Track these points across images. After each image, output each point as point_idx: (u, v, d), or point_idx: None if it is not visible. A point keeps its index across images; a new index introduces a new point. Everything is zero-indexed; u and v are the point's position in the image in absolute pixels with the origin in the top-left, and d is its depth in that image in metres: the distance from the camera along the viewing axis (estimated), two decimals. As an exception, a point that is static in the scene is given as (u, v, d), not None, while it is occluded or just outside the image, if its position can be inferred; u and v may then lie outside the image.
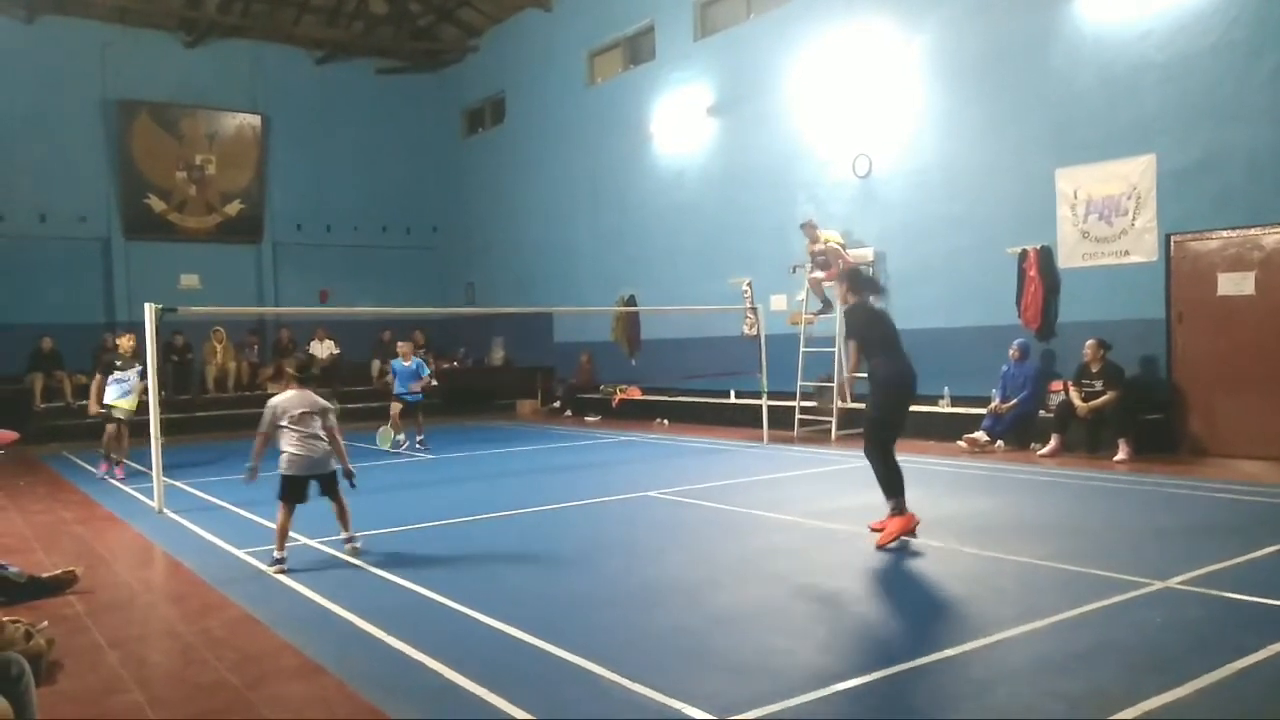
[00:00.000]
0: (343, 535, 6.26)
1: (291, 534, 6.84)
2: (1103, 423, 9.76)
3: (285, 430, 6.04)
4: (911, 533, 6.02)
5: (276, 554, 5.87)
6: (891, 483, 6.07)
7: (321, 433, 6.11)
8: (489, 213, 20.93)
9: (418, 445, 12.27)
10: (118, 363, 10.22)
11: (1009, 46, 11.20)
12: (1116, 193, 10.25)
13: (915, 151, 12.29)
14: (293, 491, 6.03)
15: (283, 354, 17.74)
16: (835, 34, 13.19)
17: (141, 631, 4.81)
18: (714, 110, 15.34)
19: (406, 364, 12.36)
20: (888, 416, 6.29)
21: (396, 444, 12.29)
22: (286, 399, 6.15)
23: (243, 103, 19.68)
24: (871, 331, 6.36)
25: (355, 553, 6.17)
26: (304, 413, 6.08)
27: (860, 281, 6.67)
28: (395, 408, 12.32)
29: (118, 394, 10.11)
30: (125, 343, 10.44)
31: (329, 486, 6.19)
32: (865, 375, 6.40)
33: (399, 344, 12.90)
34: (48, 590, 5.34)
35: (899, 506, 6.02)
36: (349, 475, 6.22)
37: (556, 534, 6.90)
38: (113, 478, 10.23)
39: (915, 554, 5.86)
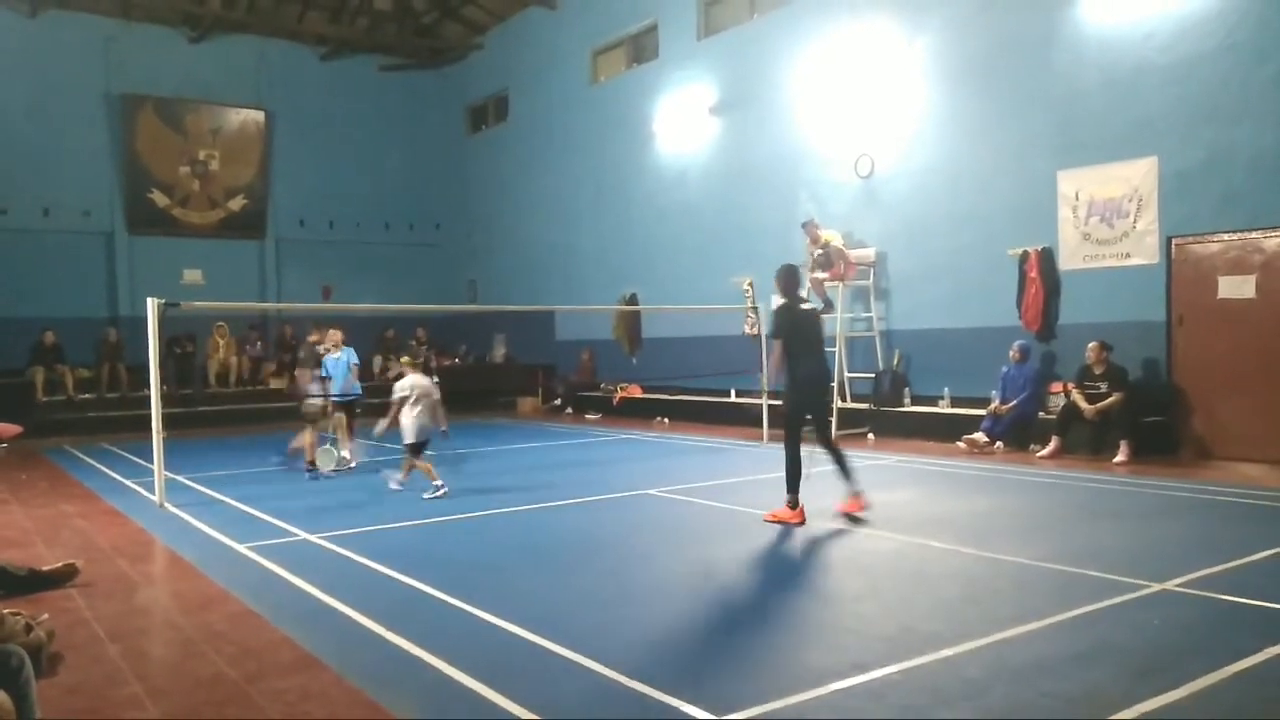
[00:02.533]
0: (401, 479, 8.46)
1: (290, 528, 6.93)
2: (1106, 424, 9.76)
3: (408, 405, 8.31)
4: (800, 523, 6.64)
5: (436, 482, 8.15)
6: (791, 476, 6.79)
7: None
8: (492, 210, 20.95)
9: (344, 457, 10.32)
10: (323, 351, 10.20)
11: (1011, 48, 11.20)
12: (1118, 195, 10.25)
13: (917, 152, 12.29)
14: (420, 451, 8.38)
15: (285, 350, 17.77)
16: (838, 34, 13.19)
17: (142, 624, 4.82)
18: (717, 109, 15.34)
19: (337, 355, 10.25)
20: (798, 413, 6.95)
21: (342, 461, 10.12)
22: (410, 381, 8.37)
23: (247, 98, 19.69)
24: (796, 332, 6.90)
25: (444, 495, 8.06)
26: (422, 392, 8.35)
27: (794, 283, 7.17)
28: (339, 417, 10.27)
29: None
30: (337, 335, 10.43)
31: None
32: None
33: (330, 331, 10.51)
34: (48, 583, 5.35)
35: (793, 501, 6.74)
36: (444, 433, 8.63)
37: (556, 531, 6.91)
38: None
39: (913, 554, 5.87)
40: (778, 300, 7.23)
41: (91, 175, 18.05)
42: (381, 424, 8.67)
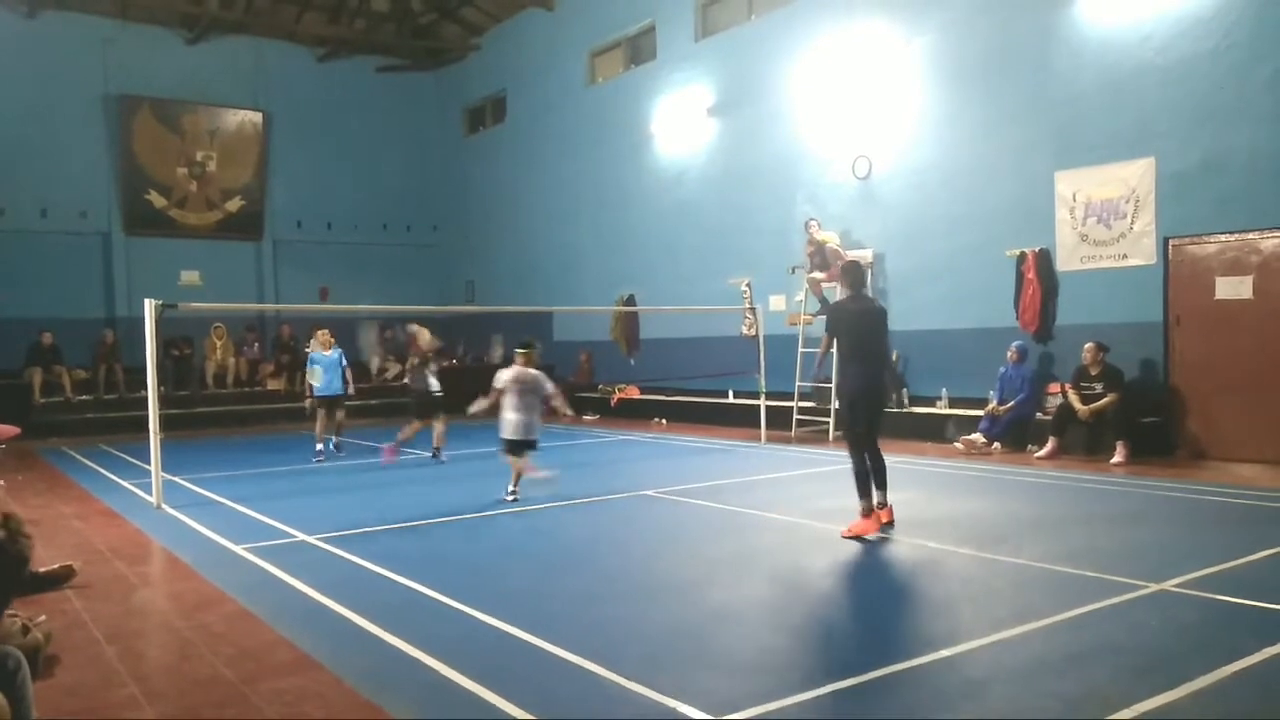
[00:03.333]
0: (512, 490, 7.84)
1: (288, 529, 6.92)
2: (1103, 425, 9.78)
3: (508, 398, 7.78)
4: (879, 531, 6.32)
5: (511, 487, 7.81)
6: (858, 484, 6.44)
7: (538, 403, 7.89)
8: (490, 211, 20.95)
9: (335, 448, 11.53)
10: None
11: (1010, 49, 11.21)
12: (1115, 196, 10.26)
13: (915, 153, 12.31)
14: (514, 450, 7.82)
15: (283, 350, 17.77)
16: (836, 35, 13.20)
17: (139, 626, 4.82)
18: (714, 110, 15.35)
19: (328, 354, 11.34)
20: (853, 418, 6.63)
21: (325, 450, 11.34)
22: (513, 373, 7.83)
23: (244, 99, 19.68)
24: (849, 335, 6.58)
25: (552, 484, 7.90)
26: (523, 386, 7.83)
27: (857, 280, 6.85)
28: (330, 409, 11.34)
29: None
30: (424, 335, 11.54)
31: (530, 447, 7.91)
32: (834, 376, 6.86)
33: (320, 331, 11.51)
34: (45, 584, 5.35)
35: (864, 509, 6.38)
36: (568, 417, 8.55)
37: (554, 532, 6.91)
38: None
39: (911, 555, 5.88)
40: (840, 295, 6.93)
41: (89, 176, 18.04)
42: (478, 403, 8.19)
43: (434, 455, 10.97)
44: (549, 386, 8.16)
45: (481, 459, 11.52)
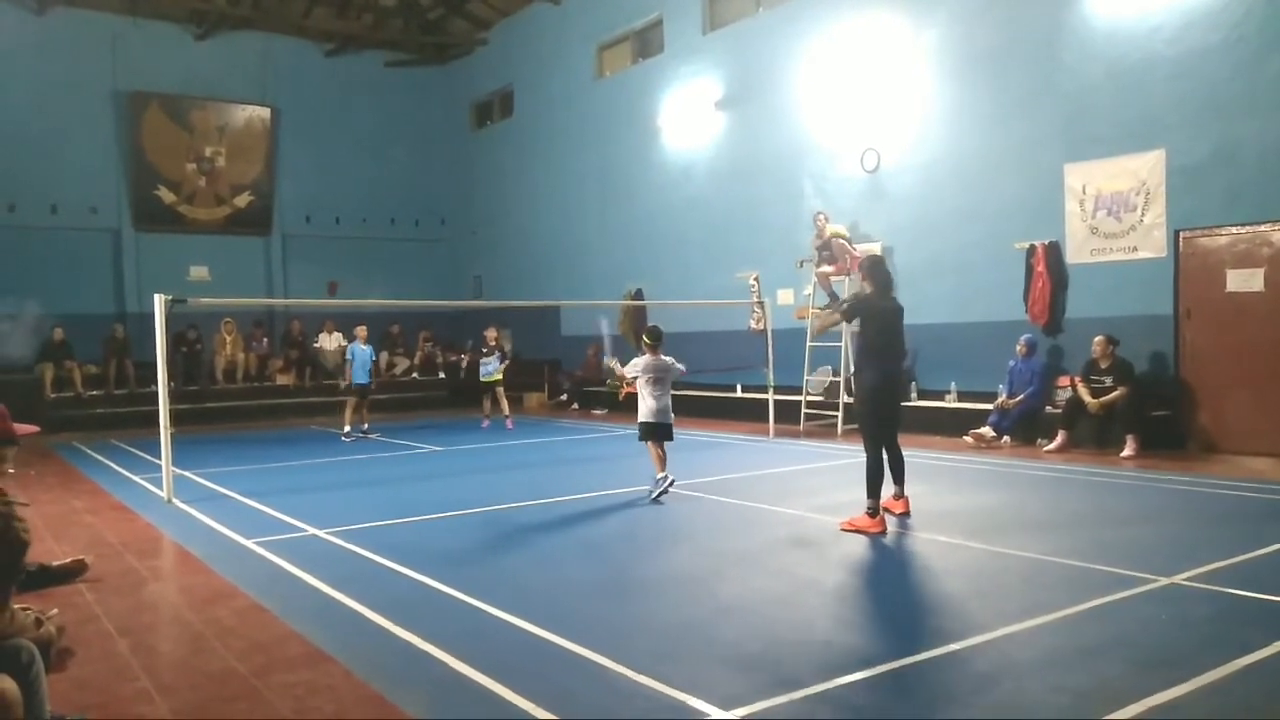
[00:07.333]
0: (661, 475, 7.75)
1: (299, 523, 6.96)
2: (1112, 419, 9.74)
3: (643, 386, 7.94)
4: (883, 530, 6.22)
5: (660, 474, 7.74)
6: (870, 481, 6.31)
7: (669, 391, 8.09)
8: (497, 205, 20.97)
9: (363, 432, 13.22)
10: (484, 349, 14.35)
11: (1018, 41, 11.15)
12: (1125, 188, 10.21)
13: (924, 146, 12.26)
14: (651, 434, 7.91)
15: (292, 345, 17.83)
16: (844, 28, 13.16)
17: (150, 619, 4.84)
18: (722, 104, 15.31)
19: (364, 349, 13.23)
20: (875, 416, 6.52)
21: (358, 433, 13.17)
22: (645, 362, 8.03)
23: (252, 95, 19.73)
24: (876, 329, 6.49)
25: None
26: (657, 374, 8.00)
27: (878, 276, 6.73)
28: (352, 400, 13.20)
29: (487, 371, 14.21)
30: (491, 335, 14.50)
31: (666, 434, 8.00)
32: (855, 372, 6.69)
33: (359, 328, 13.56)
34: (57, 579, 5.38)
35: (872, 508, 6.27)
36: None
37: (563, 526, 6.92)
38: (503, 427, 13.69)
39: (921, 549, 5.87)
40: (864, 288, 6.81)
41: (98, 172, 18.12)
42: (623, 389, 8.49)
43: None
44: (680, 368, 8.37)
45: (487, 454, 11.54)
